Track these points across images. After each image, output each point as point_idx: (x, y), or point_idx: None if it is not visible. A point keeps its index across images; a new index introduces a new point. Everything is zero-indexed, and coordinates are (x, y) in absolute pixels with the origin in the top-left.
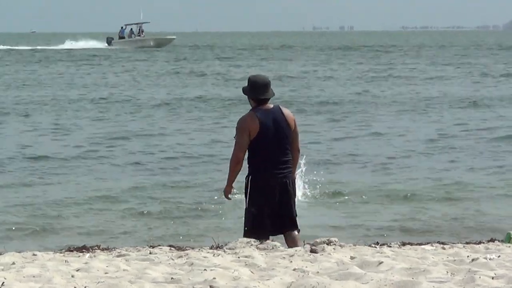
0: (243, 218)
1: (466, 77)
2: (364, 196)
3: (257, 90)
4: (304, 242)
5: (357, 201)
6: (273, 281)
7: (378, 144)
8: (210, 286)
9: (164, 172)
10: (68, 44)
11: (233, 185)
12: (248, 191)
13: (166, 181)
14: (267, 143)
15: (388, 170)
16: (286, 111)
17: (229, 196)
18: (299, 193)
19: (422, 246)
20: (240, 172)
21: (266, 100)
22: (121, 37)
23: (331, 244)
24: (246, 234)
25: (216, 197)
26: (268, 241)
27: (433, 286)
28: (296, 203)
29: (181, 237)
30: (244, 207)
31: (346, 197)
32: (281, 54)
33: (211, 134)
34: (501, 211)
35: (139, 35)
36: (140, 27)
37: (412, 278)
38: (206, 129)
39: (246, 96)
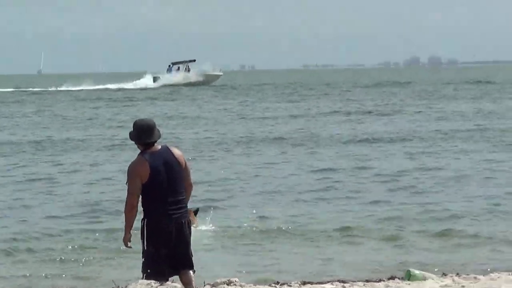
0: (141, 261)
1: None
2: (267, 235)
3: (142, 134)
4: (204, 282)
5: (260, 240)
6: None
7: (279, 181)
8: None
9: (68, 214)
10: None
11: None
12: (145, 234)
13: (64, 222)
14: (158, 185)
15: (286, 209)
16: (175, 150)
17: (129, 244)
18: (202, 233)
19: (322, 285)
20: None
21: (152, 143)
22: None
23: (231, 284)
24: (146, 276)
25: (115, 238)
26: (168, 282)
27: None
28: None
29: (80, 279)
30: (141, 250)
31: (249, 236)
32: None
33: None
34: (400, 249)
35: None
36: (187, 65)
37: None
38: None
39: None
